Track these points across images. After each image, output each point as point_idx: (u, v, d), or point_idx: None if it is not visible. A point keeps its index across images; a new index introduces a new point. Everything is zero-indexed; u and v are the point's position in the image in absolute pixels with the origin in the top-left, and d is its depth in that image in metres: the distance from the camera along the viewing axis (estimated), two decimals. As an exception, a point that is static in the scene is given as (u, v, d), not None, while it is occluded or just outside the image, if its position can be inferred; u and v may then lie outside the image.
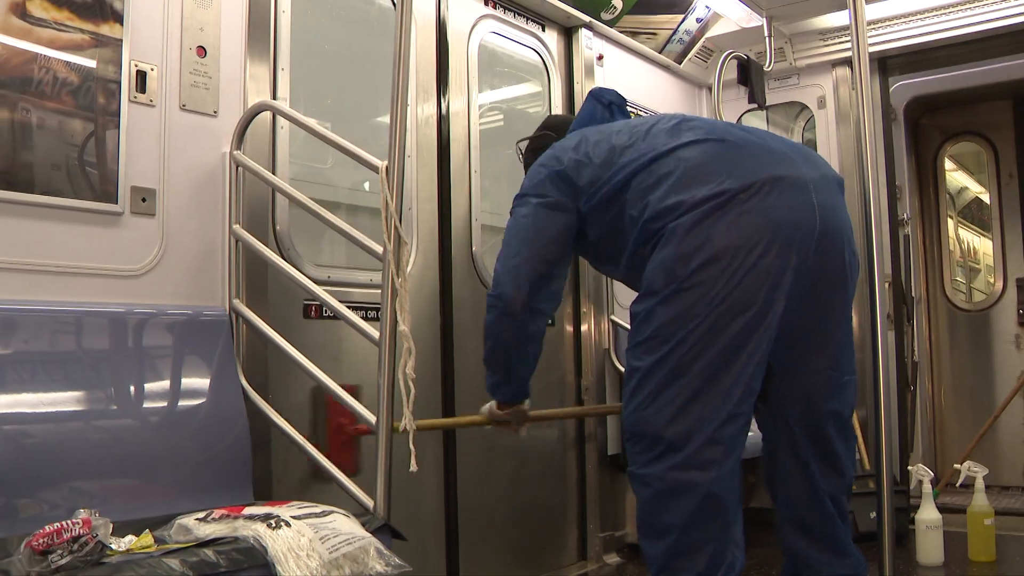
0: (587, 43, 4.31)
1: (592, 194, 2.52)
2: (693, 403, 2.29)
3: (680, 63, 4.95)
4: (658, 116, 2.67)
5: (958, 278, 6.18)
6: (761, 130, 2.69)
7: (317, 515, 2.11)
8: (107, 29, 2.53)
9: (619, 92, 2.93)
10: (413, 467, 2.37)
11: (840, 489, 2.59)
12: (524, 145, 3.16)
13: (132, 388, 2.47)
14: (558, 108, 4.19)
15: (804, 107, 5.13)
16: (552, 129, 3.04)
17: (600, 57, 4.39)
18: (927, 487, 3.84)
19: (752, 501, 4.63)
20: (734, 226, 2.28)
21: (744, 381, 2.31)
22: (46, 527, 1.82)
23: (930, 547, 3.75)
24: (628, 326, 3.99)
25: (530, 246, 2.59)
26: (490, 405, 2.98)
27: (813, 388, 2.53)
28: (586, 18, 4.25)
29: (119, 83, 2.55)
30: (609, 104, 2.85)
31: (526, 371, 2.80)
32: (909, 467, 4.08)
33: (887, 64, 4.93)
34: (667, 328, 2.31)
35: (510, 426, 3.02)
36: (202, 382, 2.61)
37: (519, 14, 4.07)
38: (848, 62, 4.79)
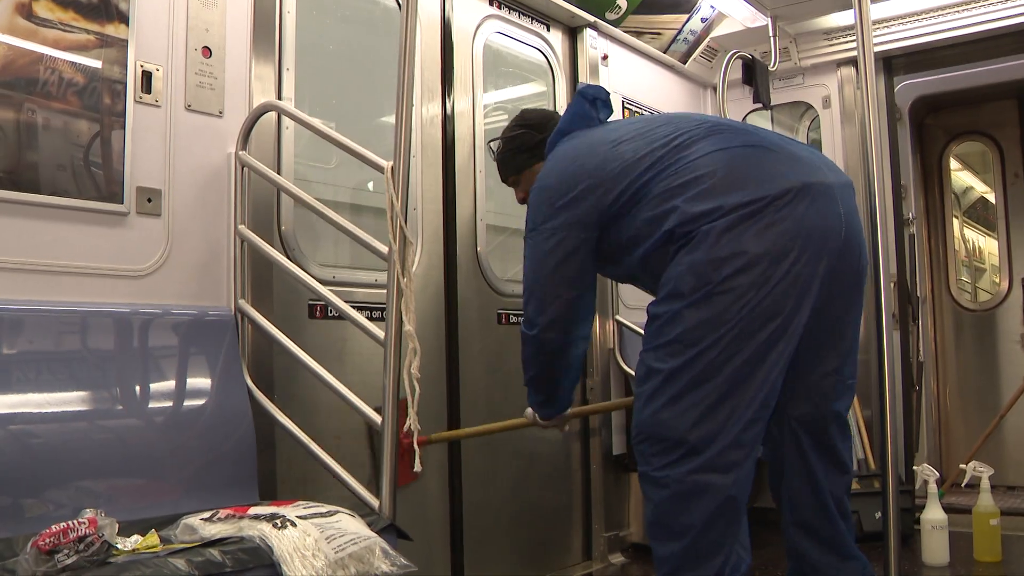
0: (592, 43, 4.31)
1: (611, 206, 2.47)
2: (719, 407, 2.28)
3: (685, 63, 4.95)
4: (665, 117, 2.64)
5: (963, 278, 6.17)
6: (783, 135, 2.67)
7: (323, 515, 2.11)
8: (112, 30, 2.54)
9: (604, 88, 2.88)
10: (418, 467, 2.37)
11: (843, 488, 2.60)
12: (497, 144, 3.04)
13: (137, 388, 2.47)
14: (563, 108, 4.18)
15: (809, 107, 5.13)
16: (531, 126, 2.93)
17: (605, 57, 4.39)
18: (932, 487, 3.83)
19: (757, 501, 4.63)
20: (768, 233, 2.27)
21: (768, 386, 2.31)
22: (52, 527, 1.82)
23: (935, 547, 3.74)
24: (632, 326, 4.07)
25: (558, 287, 2.56)
26: (533, 411, 3.01)
27: (820, 389, 2.53)
28: (591, 18, 4.25)
29: (124, 83, 2.56)
30: (593, 100, 2.77)
31: (569, 390, 2.83)
32: (914, 467, 4.07)
33: (892, 64, 4.93)
34: (695, 332, 2.29)
35: (555, 427, 3.09)
36: (207, 382, 2.61)
37: (524, 14, 4.07)
38: (853, 62, 4.80)
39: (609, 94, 2.85)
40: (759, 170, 2.36)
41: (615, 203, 2.47)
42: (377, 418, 2.41)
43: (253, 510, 2.13)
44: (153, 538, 2.00)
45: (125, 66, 2.56)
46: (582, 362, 2.75)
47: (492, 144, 3.10)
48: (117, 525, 1.92)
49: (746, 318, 2.27)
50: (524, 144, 2.90)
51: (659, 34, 4.66)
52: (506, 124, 3.05)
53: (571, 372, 2.74)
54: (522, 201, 2.92)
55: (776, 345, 2.30)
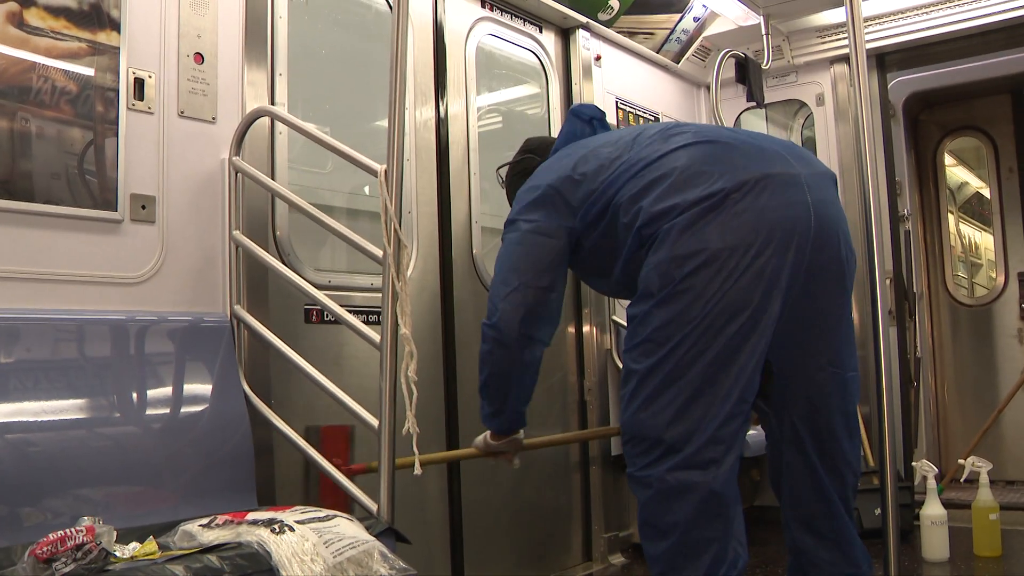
0: (584, 44, 4.31)
1: (586, 210, 2.50)
2: (692, 404, 2.28)
3: (678, 62, 4.95)
4: (644, 126, 2.68)
5: (959, 273, 6.18)
6: (750, 131, 2.68)
7: (321, 519, 2.11)
8: (104, 37, 2.54)
9: (598, 107, 2.90)
10: (417, 470, 2.37)
11: (847, 487, 2.58)
12: (505, 171, 3.11)
13: (134, 395, 2.47)
14: (556, 109, 4.19)
15: (803, 105, 5.13)
16: (534, 152, 2.99)
17: (598, 57, 4.40)
18: (931, 483, 3.84)
19: (756, 499, 4.63)
20: (728, 227, 2.27)
21: (743, 381, 2.31)
22: (50, 535, 1.82)
23: (935, 543, 3.74)
24: (629, 327, 4.08)
25: (524, 275, 2.55)
26: (484, 436, 2.92)
27: (816, 386, 2.51)
28: (583, 19, 4.25)
29: (117, 91, 2.56)
30: (590, 120, 2.81)
31: (522, 401, 2.75)
32: (913, 463, 4.08)
33: (885, 60, 4.94)
34: (664, 331, 2.30)
35: (506, 455, 2.97)
36: (204, 388, 2.61)
37: (516, 16, 4.07)
38: (846, 59, 4.80)
39: (604, 113, 2.87)
40: (717, 164, 2.36)
41: (585, 200, 2.49)
42: (374, 421, 2.41)
43: (251, 515, 2.13)
44: (151, 545, 2.00)
45: (117, 73, 2.56)
46: (536, 375, 2.68)
47: (501, 171, 3.13)
48: (115, 533, 1.92)
49: (712, 313, 2.27)
50: (526, 169, 2.91)
51: (652, 34, 4.66)
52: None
53: (526, 378, 2.67)
54: None
55: (748, 339, 2.29)
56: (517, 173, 3.00)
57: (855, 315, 2.75)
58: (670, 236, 2.29)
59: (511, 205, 3.02)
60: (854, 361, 2.59)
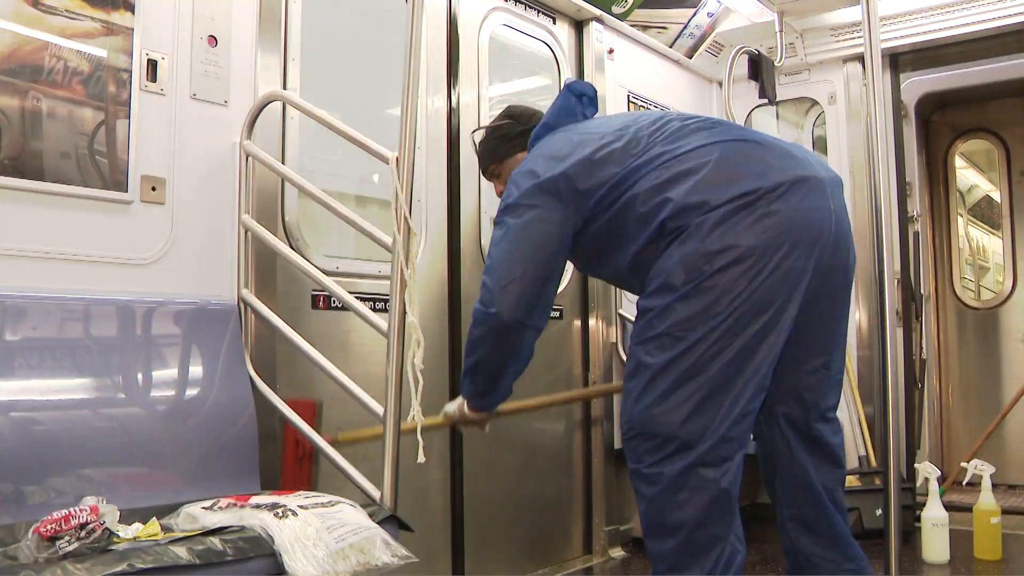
0: (598, 36, 4.30)
1: (600, 196, 2.45)
2: (709, 401, 2.28)
3: (691, 58, 4.94)
4: (652, 114, 2.62)
5: (967, 276, 6.17)
6: (765, 133, 2.67)
7: (324, 505, 2.11)
8: (118, 18, 2.53)
9: (591, 84, 2.87)
10: (421, 458, 2.37)
11: (835, 481, 2.60)
12: (480, 135, 3.02)
13: (140, 377, 2.47)
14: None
15: (814, 103, 5.12)
16: (515, 119, 2.91)
17: (611, 51, 4.39)
18: (934, 485, 3.83)
19: (757, 496, 4.63)
20: (760, 226, 2.27)
21: (757, 379, 2.31)
22: (54, 514, 1.83)
23: (936, 545, 3.74)
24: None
25: (526, 264, 2.49)
26: (458, 406, 2.85)
27: (807, 386, 2.54)
28: (597, 11, 4.24)
29: (130, 72, 2.55)
30: (580, 95, 2.76)
31: (512, 381, 2.70)
32: (916, 465, 4.07)
33: (898, 60, 4.92)
34: (686, 325, 2.28)
35: (477, 425, 2.91)
36: (210, 371, 2.61)
37: (530, 7, 4.06)
38: (859, 58, 4.79)
39: (596, 90, 2.83)
40: (752, 163, 2.36)
41: (598, 191, 2.44)
42: (379, 409, 2.41)
43: (254, 499, 2.13)
44: (154, 526, 2.00)
45: (130, 54, 2.56)
46: (531, 354, 2.64)
47: (475, 135, 3.08)
48: (118, 513, 1.93)
49: (737, 311, 2.26)
50: (507, 134, 2.88)
51: (665, 28, 4.65)
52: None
53: (519, 360, 2.63)
54: (501, 195, 2.90)
55: (766, 338, 2.30)
56: (496, 137, 2.92)
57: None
58: (701, 230, 2.28)
59: (482, 169, 3.02)
60: (842, 363, 2.64)
